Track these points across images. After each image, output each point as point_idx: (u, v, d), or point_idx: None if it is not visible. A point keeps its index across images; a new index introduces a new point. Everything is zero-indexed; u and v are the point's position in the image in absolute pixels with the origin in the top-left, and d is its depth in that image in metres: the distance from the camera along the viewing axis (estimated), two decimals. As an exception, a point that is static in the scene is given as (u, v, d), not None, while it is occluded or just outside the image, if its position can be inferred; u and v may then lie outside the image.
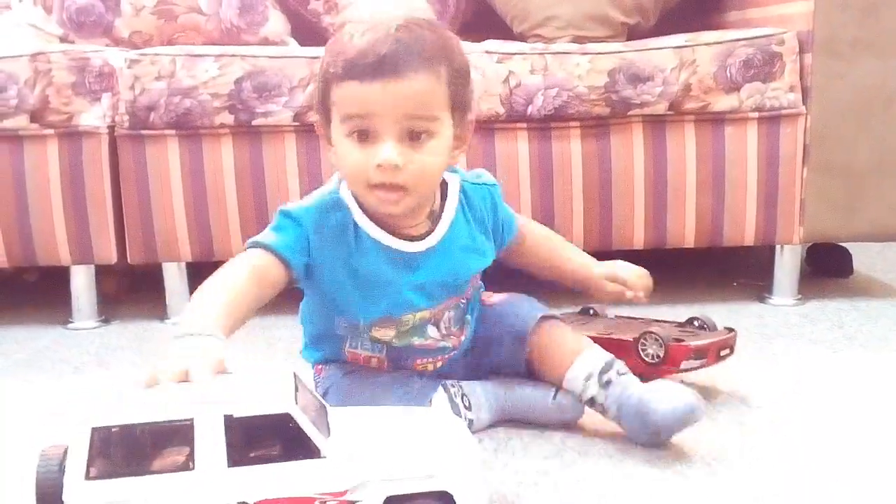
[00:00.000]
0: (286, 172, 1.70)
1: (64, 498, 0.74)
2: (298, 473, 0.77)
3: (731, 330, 1.31)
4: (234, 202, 1.71)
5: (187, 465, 0.75)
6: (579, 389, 1.11)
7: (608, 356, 1.13)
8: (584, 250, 1.74)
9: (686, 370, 1.24)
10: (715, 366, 1.27)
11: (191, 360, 0.81)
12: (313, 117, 1.04)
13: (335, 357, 1.14)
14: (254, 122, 1.68)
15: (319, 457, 0.78)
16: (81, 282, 1.77)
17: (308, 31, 2.04)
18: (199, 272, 1.80)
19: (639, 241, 1.75)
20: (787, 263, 1.81)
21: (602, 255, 1.80)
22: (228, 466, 0.75)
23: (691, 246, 1.77)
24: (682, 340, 1.24)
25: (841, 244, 2.04)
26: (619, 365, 1.11)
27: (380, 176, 0.99)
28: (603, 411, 1.10)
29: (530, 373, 1.16)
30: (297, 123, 1.68)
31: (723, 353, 1.27)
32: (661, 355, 1.22)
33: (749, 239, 1.77)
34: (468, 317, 1.17)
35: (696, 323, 1.33)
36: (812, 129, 1.72)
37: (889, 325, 1.65)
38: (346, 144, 1.01)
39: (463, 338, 1.16)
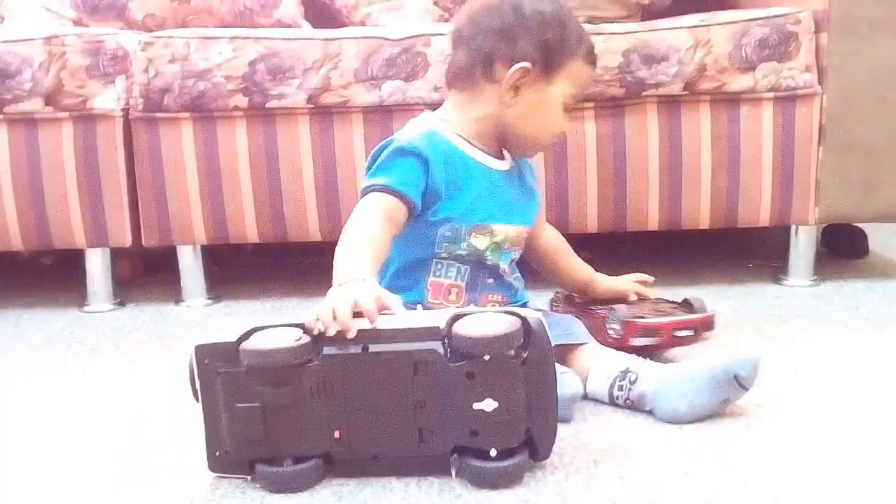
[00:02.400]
0: (300, 154, 1.70)
1: None
2: None
3: (698, 312, 1.34)
4: (248, 184, 1.71)
5: None
6: (605, 387, 1.15)
7: (623, 365, 1.16)
8: (598, 231, 1.75)
9: (640, 346, 1.27)
10: (673, 346, 1.31)
11: (357, 292, 0.94)
12: (522, 65, 1.17)
13: (413, 301, 1.17)
14: (268, 105, 1.68)
15: None
16: (97, 265, 1.78)
17: (321, 14, 2.03)
18: (214, 255, 1.83)
19: (653, 223, 1.74)
20: (803, 244, 1.80)
21: (617, 236, 1.81)
22: None
23: (706, 227, 1.76)
24: (643, 318, 1.29)
25: (856, 225, 2.03)
26: (632, 374, 1.14)
27: (562, 135, 1.25)
28: (629, 405, 1.14)
29: None
30: (311, 105, 1.68)
31: (679, 333, 1.30)
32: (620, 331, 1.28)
33: (764, 220, 1.76)
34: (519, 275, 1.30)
35: (688, 303, 1.37)
36: (828, 109, 1.70)
37: (904, 306, 1.65)
38: (558, 109, 1.21)
39: (520, 288, 1.29)
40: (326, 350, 0.91)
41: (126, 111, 1.70)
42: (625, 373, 1.14)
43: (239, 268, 2.07)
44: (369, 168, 1.18)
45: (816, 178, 1.73)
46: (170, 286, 1.82)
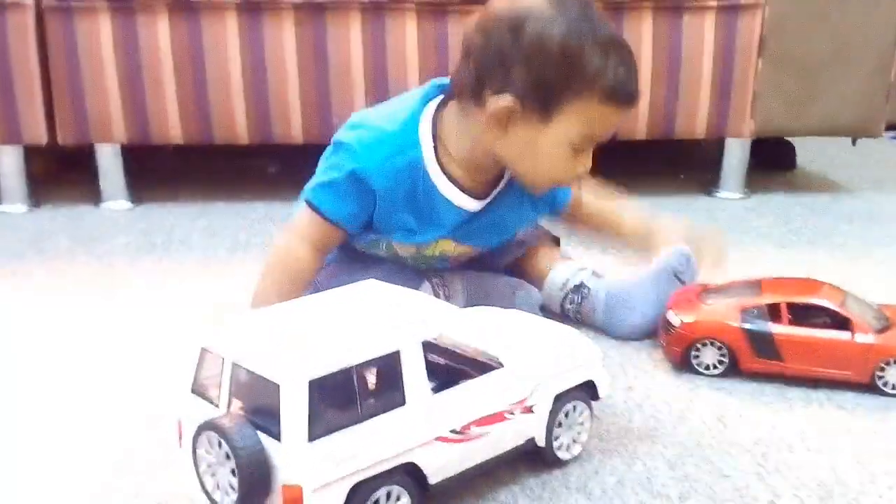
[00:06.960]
0: (227, 52, 1.61)
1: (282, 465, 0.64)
2: (490, 389, 0.75)
3: None
4: (171, 82, 1.62)
5: (397, 399, 0.69)
6: (558, 300, 1.17)
7: (579, 265, 1.18)
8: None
9: None
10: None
11: None
12: (506, 101, 0.94)
13: None
14: (192, -3, 1.59)
15: (500, 366, 0.77)
16: (10, 163, 1.68)
17: None
18: (134, 154, 1.74)
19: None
20: (736, 157, 1.81)
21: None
22: (434, 394, 0.71)
23: (643, 138, 1.75)
24: None
25: (786, 138, 2.05)
26: (585, 289, 1.15)
27: (572, 178, 1.04)
28: (578, 319, 1.15)
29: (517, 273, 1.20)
30: (238, 0, 1.59)
31: None
32: None
33: (700, 131, 1.75)
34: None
35: None
36: (769, 21, 1.69)
37: (832, 220, 1.68)
38: (560, 151, 0.98)
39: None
40: None
41: (38, 0, 1.58)
42: (578, 287, 1.15)
43: (160, 169, 1.98)
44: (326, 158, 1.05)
45: (754, 90, 1.72)
46: (88, 186, 1.73)
